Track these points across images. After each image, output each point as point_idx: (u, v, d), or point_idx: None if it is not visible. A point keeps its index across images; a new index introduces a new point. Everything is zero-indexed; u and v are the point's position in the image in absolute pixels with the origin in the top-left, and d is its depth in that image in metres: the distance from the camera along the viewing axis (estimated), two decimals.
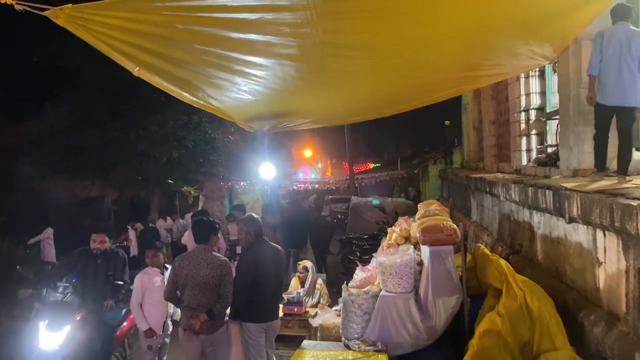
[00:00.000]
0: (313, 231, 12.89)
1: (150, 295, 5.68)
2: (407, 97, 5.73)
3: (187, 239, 11.28)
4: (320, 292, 6.78)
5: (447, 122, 17.01)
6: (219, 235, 5.27)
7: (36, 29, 11.79)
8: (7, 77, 15.54)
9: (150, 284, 5.72)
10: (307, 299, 6.58)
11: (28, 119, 15.18)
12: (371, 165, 36.84)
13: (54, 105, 13.68)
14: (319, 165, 39.74)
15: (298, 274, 6.91)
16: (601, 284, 3.71)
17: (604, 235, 3.62)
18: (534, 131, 7.81)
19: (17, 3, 2.97)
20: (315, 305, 6.58)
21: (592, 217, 3.63)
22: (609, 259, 3.56)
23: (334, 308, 6.14)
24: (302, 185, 26.91)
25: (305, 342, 4.91)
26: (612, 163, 5.21)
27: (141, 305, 5.67)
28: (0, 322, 7.77)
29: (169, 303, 5.80)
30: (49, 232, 11.93)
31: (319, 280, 6.93)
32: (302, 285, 6.71)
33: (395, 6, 3.78)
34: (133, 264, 10.03)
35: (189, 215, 12.71)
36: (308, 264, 7.03)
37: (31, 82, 16.14)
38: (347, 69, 4.65)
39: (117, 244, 10.35)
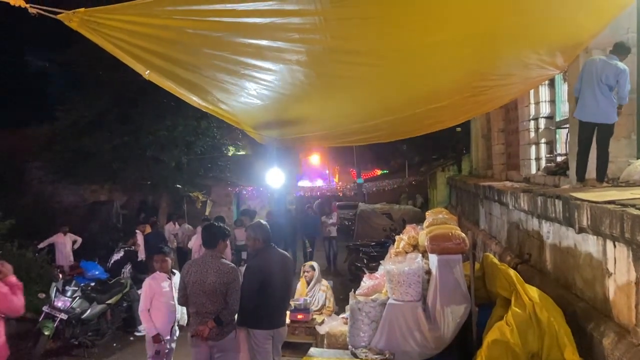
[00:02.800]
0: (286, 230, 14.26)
1: (158, 300, 5.69)
2: (416, 107, 5.72)
3: (193, 242, 11.35)
4: (326, 295, 6.76)
5: (458, 129, 16.97)
6: (227, 242, 5.27)
7: (48, 34, 11.91)
8: (18, 81, 15.71)
9: (158, 289, 5.74)
10: (311, 298, 6.58)
11: (38, 123, 15.30)
12: (378, 172, 36.79)
13: (65, 109, 13.77)
14: (326, 172, 39.73)
15: (305, 273, 6.91)
16: (611, 295, 3.68)
17: (614, 245, 3.60)
18: (543, 140, 7.78)
19: (30, 6, 3.00)
20: (320, 310, 6.55)
21: (602, 227, 3.60)
22: (619, 270, 3.53)
23: (341, 315, 6.13)
24: (309, 192, 26.89)
25: (312, 350, 4.91)
26: (622, 173, 5.21)
27: (149, 310, 5.68)
28: (10, 324, 7.81)
29: (177, 308, 5.82)
30: (61, 236, 11.96)
31: (325, 283, 6.92)
32: (308, 284, 6.71)
33: (403, 13, 3.78)
34: (141, 269, 10.11)
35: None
36: (314, 263, 7.05)
37: (42, 86, 16.30)
38: (355, 75, 4.66)
39: (126, 248, 10.41)
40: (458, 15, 3.90)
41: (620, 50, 5.09)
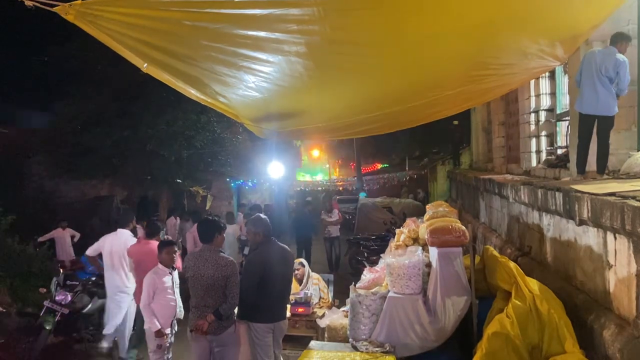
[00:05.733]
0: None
1: (160, 295, 5.69)
2: (416, 98, 5.69)
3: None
4: (319, 287, 6.75)
5: (455, 122, 16.92)
6: (224, 235, 5.27)
7: (47, 28, 11.87)
8: (18, 76, 15.68)
9: (161, 284, 5.72)
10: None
11: (38, 118, 15.27)
12: (379, 166, 36.76)
13: (64, 104, 13.74)
14: (327, 166, 39.74)
15: (295, 271, 6.90)
16: (611, 287, 3.68)
17: (615, 238, 3.59)
18: (543, 132, 7.77)
19: None
20: (318, 303, 6.55)
21: (602, 219, 3.60)
22: (620, 262, 3.53)
23: (342, 309, 6.13)
24: (310, 186, 26.92)
25: (312, 343, 4.91)
26: (622, 165, 5.20)
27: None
28: (12, 319, 7.84)
29: (177, 303, 5.83)
30: (60, 231, 11.95)
31: (315, 275, 6.92)
32: (300, 283, 6.71)
33: (403, 3, 3.77)
34: None
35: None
36: (302, 260, 7.05)
37: (41, 81, 16.26)
38: (354, 67, 4.62)
39: None
40: (458, 4, 3.88)
41: (619, 40, 5.07)
